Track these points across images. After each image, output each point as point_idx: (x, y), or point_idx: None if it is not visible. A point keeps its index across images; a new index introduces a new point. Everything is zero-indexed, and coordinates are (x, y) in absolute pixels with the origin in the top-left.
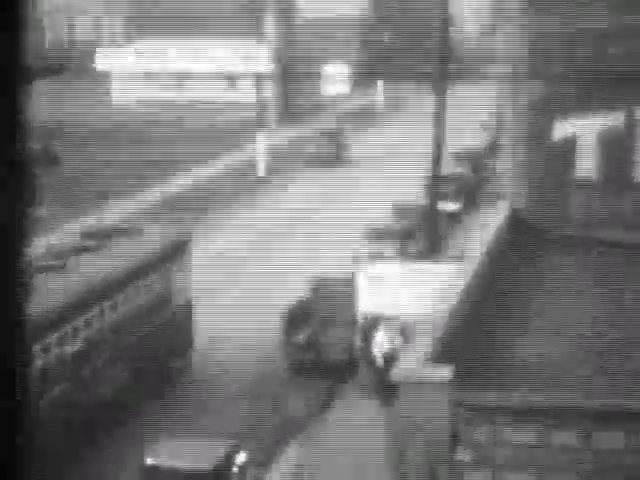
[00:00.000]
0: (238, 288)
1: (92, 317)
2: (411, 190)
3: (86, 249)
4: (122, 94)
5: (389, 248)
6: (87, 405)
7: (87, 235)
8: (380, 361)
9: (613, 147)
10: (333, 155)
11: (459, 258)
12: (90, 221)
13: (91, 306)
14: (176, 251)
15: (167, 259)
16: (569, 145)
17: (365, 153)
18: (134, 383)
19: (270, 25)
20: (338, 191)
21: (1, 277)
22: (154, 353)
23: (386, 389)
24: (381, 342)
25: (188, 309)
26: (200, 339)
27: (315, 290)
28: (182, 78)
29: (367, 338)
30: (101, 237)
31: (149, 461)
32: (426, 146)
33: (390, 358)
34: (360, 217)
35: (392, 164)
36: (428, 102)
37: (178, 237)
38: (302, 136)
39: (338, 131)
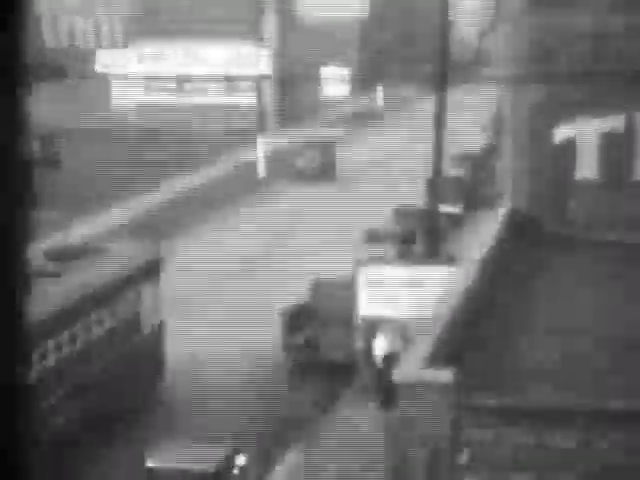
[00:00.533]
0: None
1: (48, 348)
2: (411, 192)
3: (48, 272)
4: (122, 96)
5: (389, 250)
6: (44, 443)
7: (50, 256)
8: (380, 363)
9: (613, 148)
10: (323, 169)
11: (451, 260)
12: (87, 224)
13: (47, 336)
14: (147, 270)
15: (136, 279)
16: (570, 146)
17: (365, 155)
18: (100, 415)
19: (270, 27)
20: (338, 192)
21: (0, 279)
22: (123, 380)
23: (386, 391)
24: (381, 344)
25: (161, 331)
26: (184, 355)
27: (315, 291)
28: (182, 81)
29: (367, 340)
30: (65, 257)
31: (150, 464)
32: (426, 148)
33: (390, 360)
34: (360, 218)
35: (392, 166)
36: (428, 104)
37: (149, 255)
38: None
39: (328, 143)
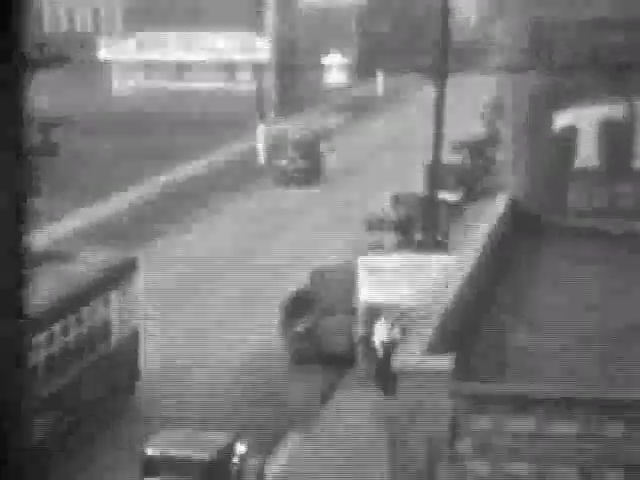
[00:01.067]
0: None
1: None
2: (411, 180)
3: None
4: (122, 84)
5: (389, 238)
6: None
7: None
8: (380, 351)
9: (613, 137)
10: (308, 171)
11: (443, 247)
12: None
13: None
14: (118, 277)
15: (106, 286)
16: (569, 135)
17: (365, 143)
18: (67, 430)
19: (270, 15)
20: (338, 180)
21: (0, 269)
22: (92, 393)
23: (386, 379)
24: (381, 332)
25: (133, 341)
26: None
27: (315, 279)
28: (182, 68)
29: (367, 328)
30: (30, 264)
31: (149, 451)
32: (426, 136)
33: (390, 348)
34: (359, 204)
35: (392, 154)
36: (428, 92)
37: (120, 259)
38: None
39: (313, 141)
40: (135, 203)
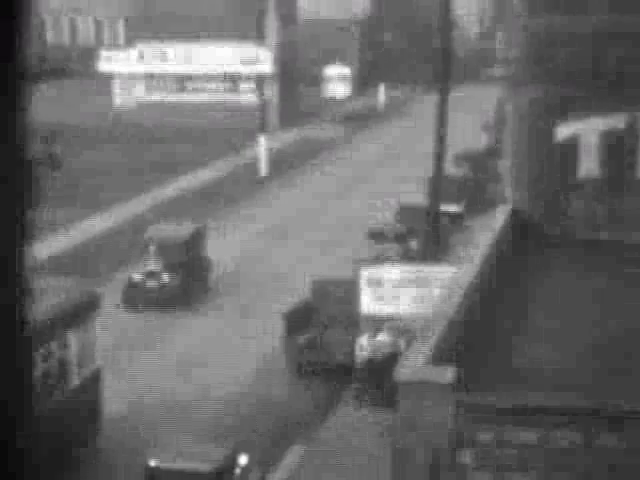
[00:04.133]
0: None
1: None
2: (413, 191)
3: None
4: (123, 96)
5: (391, 250)
6: None
7: None
8: (382, 362)
9: (614, 148)
10: (180, 289)
11: (445, 258)
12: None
13: None
14: (77, 314)
15: (64, 325)
16: (570, 146)
17: (366, 154)
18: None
19: (271, 27)
20: (336, 195)
21: (1, 280)
22: (50, 438)
23: (388, 391)
24: (383, 344)
25: (94, 381)
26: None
27: (317, 291)
28: (183, 80)
29: (369, 340)
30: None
31: (152, 463)
32: (428, 147)
33: (392, 359)
34: (362, 216)
35: (393, 166)
36: (430, 103)
37: (80, 295)
38: (302, 137)
39: (191, 241)
40: (131, 215)
